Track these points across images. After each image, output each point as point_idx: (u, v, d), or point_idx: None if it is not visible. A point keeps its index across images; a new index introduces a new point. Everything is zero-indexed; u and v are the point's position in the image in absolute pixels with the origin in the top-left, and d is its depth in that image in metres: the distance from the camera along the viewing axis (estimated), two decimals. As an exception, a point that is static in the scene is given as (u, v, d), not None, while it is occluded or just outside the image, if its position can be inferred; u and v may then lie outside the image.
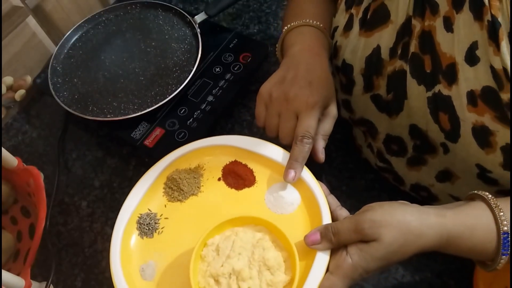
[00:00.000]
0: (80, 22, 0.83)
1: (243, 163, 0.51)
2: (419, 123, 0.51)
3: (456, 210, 0.43)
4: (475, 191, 0.44)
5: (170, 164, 0.51)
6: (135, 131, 0.71)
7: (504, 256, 0.41)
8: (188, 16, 0.80)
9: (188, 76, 0.73)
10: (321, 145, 0.50)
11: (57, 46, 0.80)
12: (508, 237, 0.41)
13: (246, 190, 0.50)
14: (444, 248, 0.42)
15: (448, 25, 0.45)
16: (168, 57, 0.77)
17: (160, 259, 0.46)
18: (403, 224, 0.41)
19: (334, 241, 0.43)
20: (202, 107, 0.72)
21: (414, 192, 0.61)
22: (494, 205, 0.42)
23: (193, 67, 0.74)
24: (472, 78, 0.44)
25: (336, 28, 0.57)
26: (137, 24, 0.83)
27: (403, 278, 0.58)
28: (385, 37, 0.50)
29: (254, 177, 0.51)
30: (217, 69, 0.76)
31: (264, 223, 0.44)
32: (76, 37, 0.82)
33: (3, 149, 0.61)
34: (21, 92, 0.81)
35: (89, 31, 0.83)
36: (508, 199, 0.43)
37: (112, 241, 0.46)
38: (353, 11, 0.54)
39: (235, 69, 0.76)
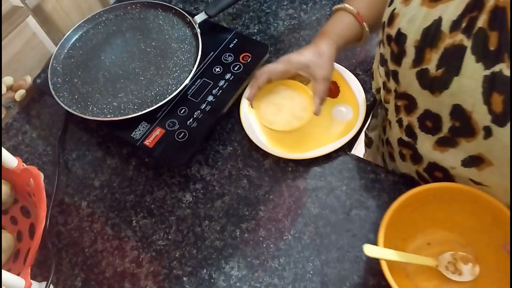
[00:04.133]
0: (80, 22, 0.83)
1: (338, 84, 0.75)
2: (465, 103, 0.49)
3: (328, 26, 0.68)
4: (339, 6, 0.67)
5: None
6: (135, 131, 0.71)
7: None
8: (188, 16, 0.80)
9: (188, 76, 0.73)
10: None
11: (57, 46, 0.80)
12: None
13: (328, 98, 0.71)
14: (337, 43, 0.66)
15: None
16: (168, 57, 0.77)
17: (274, 91, 0.72)
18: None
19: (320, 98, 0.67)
20: (202, 107, 0.72)
21: (428, 172, 0.61)
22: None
23: (193, 67, 0.74)
24: None
25: None
26: (137, 24, 0.83)
27: (403, 278, 0.58)
28: (450, 9, 0.49)
29: (338, 95, 0.75)
30: (217, 69, 0.76)
31: (304, 91, 0.69)
32: (76, 37, 0.83)
33: (3, 149, 0.62)
34: (21, 92, 0.81)
35: (89, 31, 0.83)
36: None
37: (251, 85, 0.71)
38: None
39: (235, 69, 0.76)
